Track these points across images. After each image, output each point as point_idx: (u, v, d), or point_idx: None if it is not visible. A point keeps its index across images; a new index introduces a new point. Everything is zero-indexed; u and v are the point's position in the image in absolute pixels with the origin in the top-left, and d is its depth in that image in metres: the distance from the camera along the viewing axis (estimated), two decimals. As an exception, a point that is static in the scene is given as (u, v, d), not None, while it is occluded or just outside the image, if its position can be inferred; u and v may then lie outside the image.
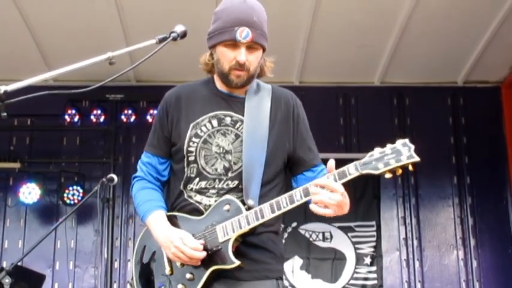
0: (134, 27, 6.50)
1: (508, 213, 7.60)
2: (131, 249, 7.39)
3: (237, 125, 2.76)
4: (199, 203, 2.72)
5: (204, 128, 2.77)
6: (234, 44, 2.67)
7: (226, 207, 2.64)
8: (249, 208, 2.61)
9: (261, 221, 2.57)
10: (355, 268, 7.39)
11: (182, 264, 2.64)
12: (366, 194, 7.56)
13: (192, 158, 2.75)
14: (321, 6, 6.29)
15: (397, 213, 7.66)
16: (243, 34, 2.64)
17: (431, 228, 7.62)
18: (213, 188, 2.71)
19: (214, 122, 2.77)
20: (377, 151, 2.52)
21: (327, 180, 2.49)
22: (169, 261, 2.69)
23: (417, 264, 7.49)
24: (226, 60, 2.70)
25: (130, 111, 7.52)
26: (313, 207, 2.49)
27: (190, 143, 2.76)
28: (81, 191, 7.26)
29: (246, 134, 2.73)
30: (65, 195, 7.23)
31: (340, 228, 7.49)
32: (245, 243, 2.64)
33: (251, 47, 2.68)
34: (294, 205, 2.55)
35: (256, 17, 2.68)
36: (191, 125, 2.78)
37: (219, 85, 2.84)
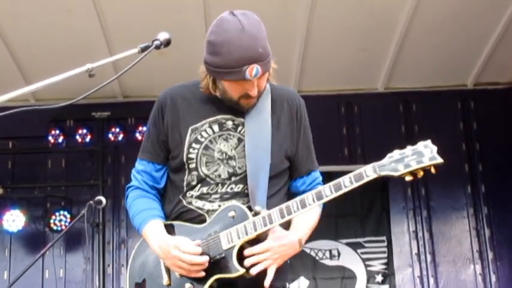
0: (119, 41, 6.47)
1: (527, 222, 7.60)
2: (124, 276, 7.31)
3: (239, 129, 2.75)
4: (201, 209, 2.70)
5: (204, 134, 2.75)
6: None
7: (231, 213, 2.61)
8: (255, 214, 2.58)
9: (269, 226, 2.55)
10: (367, 287, 7.37)
11: (181, 275, 2.61)
12: (374, 208, 7.56)
13: (193, 166, 2.73)
14: (317, 9, 6.29)
15: (408, 227, 7.64)
16: (253, 72, 2.55)
17: (446, 241, 7.60)
18: (216, 192, 2.70)
19: (215, 127, 2.76)
20: (396, 152, 2.52)
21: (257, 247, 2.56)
22: (168, 271, 2.65)
23: (432, 281, 7.46)
24: (235, 93, 2.65)
25: (118, 129, 7.48)
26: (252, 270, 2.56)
27: (190, 149, 2.74)
28: (68, 216, 7.23)
29: (248, 137, 2.72)
30: (52, 221, 7.19)
31: (348, 244, 7.48)
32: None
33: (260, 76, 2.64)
34: (305, 209, 2.54)
35: (261, 46, 2.59)
36: (190, 129, 2.76)
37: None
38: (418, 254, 7.55)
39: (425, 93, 7.91)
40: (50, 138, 7.44)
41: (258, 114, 2.77)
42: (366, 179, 2.49)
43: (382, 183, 7.54)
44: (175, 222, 2.74)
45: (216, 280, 2.57)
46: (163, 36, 2.59)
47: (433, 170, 2.48)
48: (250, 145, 2.71)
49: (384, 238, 7.52)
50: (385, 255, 7.46)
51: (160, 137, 2.81)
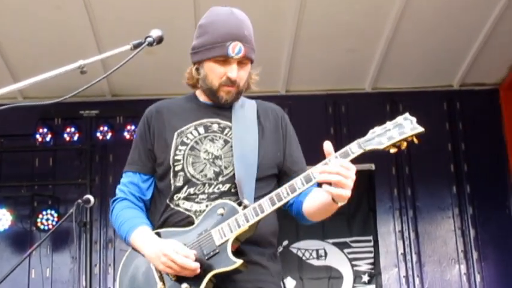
0: (108, 39, 6.45)
1: (511, 222, 7.63)
2: (111, 276, 7.34)
3: (225, 131, 2.77)
4: (188, 210, 2.67)
5: (190, 136, 2.76)
6: (224, 59, 2.68)
7: (220, 211, 2.60)
8: (245, 208, 2.57)
9: (260, 215, 2.53)
10: (353, 287, 7.38)
11: (176, 277, 2.57)
12: (360, 208, 7.57)
13: (179, 167, 2.72)
14: (306, 8, 6.30)
15: (394, 227, 7.66)
16: (236, 49, 2.66)
17: (431, 241, 7.62)
18: (203, 193, 2.68)
19: (201, 129, 2.77)
20: (378, 128, 2.57)
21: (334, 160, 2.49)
22: (161, 275, 2.60)
23: (417, 281, 7.48)
24: (215, 77, 2.72)
25: (106, 128, 7.44)
26: (327, 187, 2.47)
27: (177, 152, 2.74)
28: (55, 215, 7.18)
29: (235, 139, 2.74)
30: (39, 220, 7.14)
31: (334, 244, 7.48)
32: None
33: (241, 62, 2.71)
34: (295, 194, 2.53)
35: (247, 30, 2.71)
36: (176, 134, 2.77)
37: (203, 98, 2.85)
38: (404, 254, 7.57)
39: (412, 94, 7.93)
40: (38, 136, 7.40)
41: (244, 120, 2.80)
42: (351, 156, 2.51)
43: (369, 183, 7.56)
44: (161, 230, 2.70)
45: (214, 276, 2.54)
46: (155, 33, 2.61)
47: (415, 140, 2.53)
48: (237, 146, 2.72)
49: (371, 238, 7.52)
50: (372, 255, 7.47)
51: (147, 146, 2.82)
